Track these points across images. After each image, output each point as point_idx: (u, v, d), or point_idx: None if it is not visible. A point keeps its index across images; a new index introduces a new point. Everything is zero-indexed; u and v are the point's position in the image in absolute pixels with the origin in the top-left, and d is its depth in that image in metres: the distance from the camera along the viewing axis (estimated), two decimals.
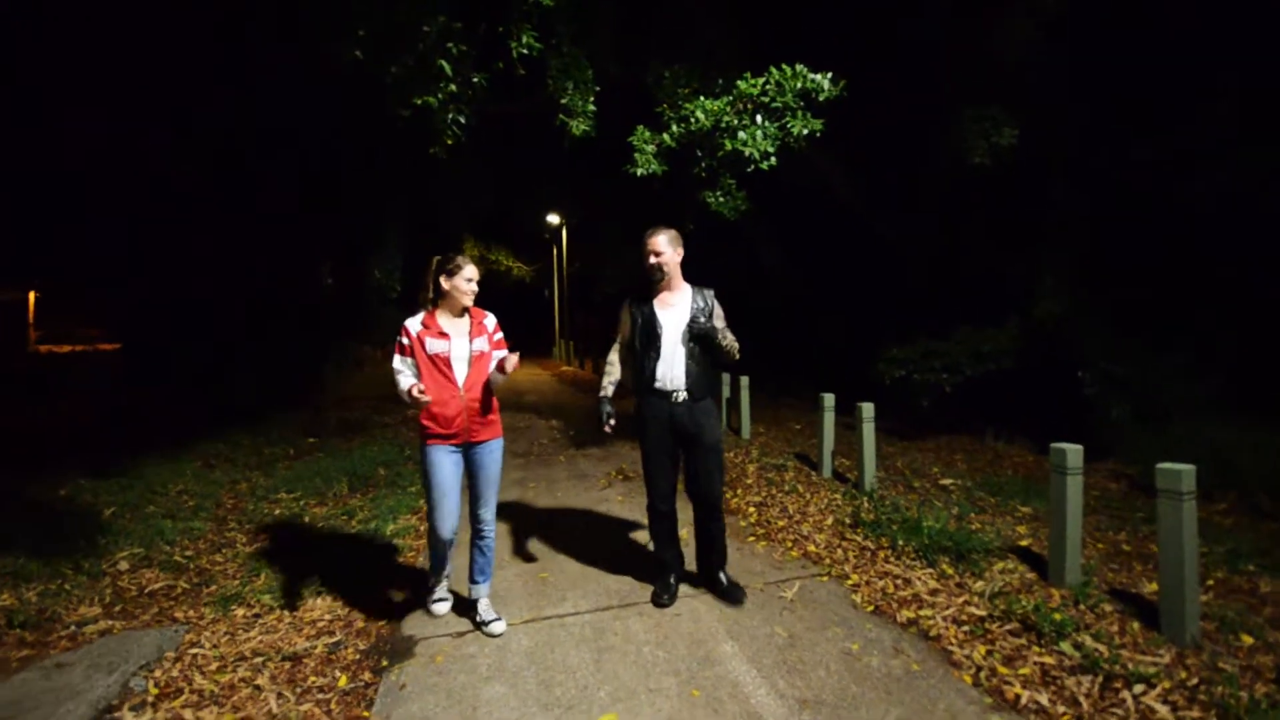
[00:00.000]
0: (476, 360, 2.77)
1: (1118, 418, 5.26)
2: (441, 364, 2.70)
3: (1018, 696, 2.31)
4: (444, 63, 3.99)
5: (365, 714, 2.31)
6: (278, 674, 2.56)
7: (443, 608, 3.00)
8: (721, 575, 3.14)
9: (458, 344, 2.75)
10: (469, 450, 2.80)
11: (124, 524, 4.18)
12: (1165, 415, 5.09)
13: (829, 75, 4.31)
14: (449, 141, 4.55)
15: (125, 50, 7.40)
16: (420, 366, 2.71)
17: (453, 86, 4.19)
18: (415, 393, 2.57)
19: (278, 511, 4.65)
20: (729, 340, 2.97)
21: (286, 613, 3.09)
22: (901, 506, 4.35)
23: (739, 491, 5.10)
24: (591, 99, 4.99)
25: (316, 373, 8.90)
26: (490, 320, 2.91)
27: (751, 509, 4.66)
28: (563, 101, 4.92)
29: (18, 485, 4.68)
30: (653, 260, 2.95)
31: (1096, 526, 4.15)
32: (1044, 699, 2.28)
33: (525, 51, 4.38)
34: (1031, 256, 6.26)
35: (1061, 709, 2.23)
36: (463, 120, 4.50)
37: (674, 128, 4.80)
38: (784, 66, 4.30)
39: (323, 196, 8.36)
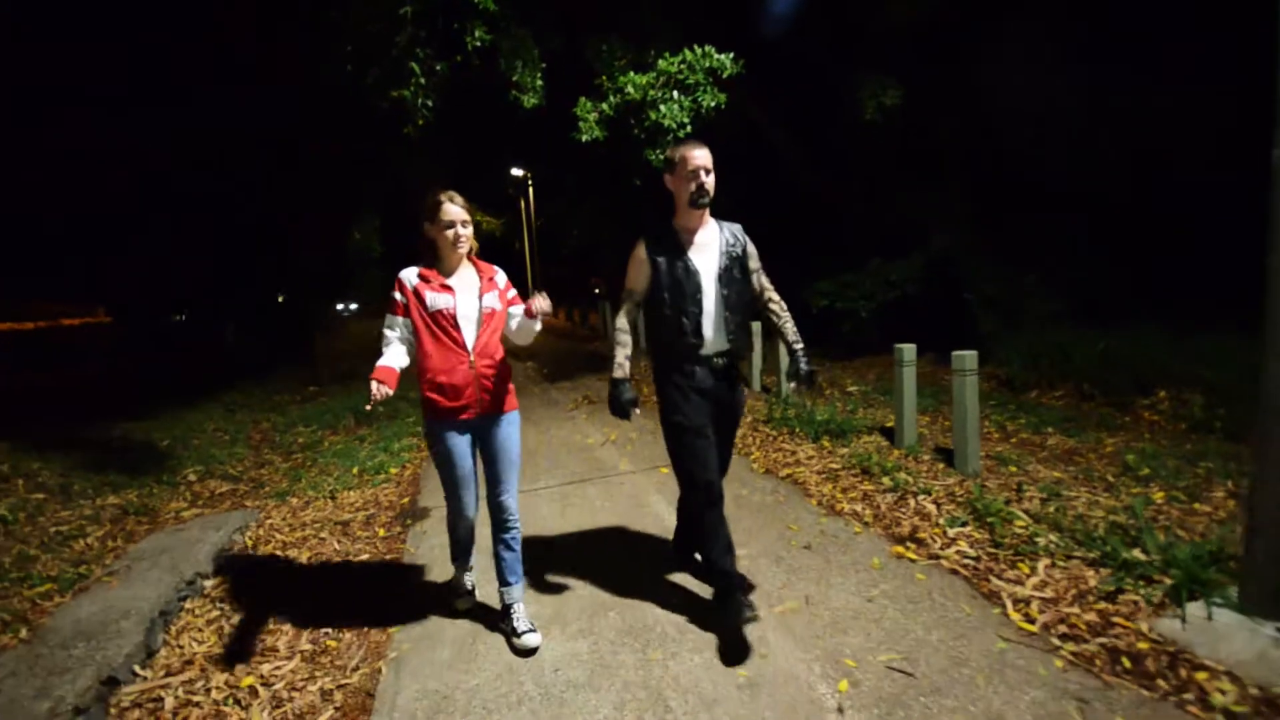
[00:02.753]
0: (487, 319, 2.27)
1: (989, 329, 6.41)
2: (446, 323, 2.20)
3: (843, 509, 3.45)
4: (414, 65, 4.73)
5: (401, 545, 3.36)
6: (334, 532, 3.59)
7: (467, 601, 2.63)
8: (732, 575, 2.38)
9: (465, 300, 2.24)
10: (483, 426, 2.31)
11: (180, 451, 5.14)
12: (1023, 325, 6.24)
13: (730, 55, 5.13)
14: (420, 123, 5.29)
15: (133, 48, 7.81)
16: (418, 328, 2.22)
17: (421, 80, 4.93)
18: (376, 391, 2.05)
19: (300, 440, 5.63)
20: (795, 336, 2.47)
21: (329, 501, 4.10)
22: (808, 406, 5.47)
23: (653, 390, 6.19)
24: (539, 75, 5.73)
25: (309, 331, 9.68)
26: (501, 276, 2.40)
27: None
28: (514, 79, 5.64)
29: (76, 431, 5.55)
30: (704, 179, 2.24)
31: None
32: (859, 508, 3.42)
33: (479, 44, 5.10)
34: (928, 199, 7.26)
35: (869, 512, 3.36)
36: (430, 104, 5.25)
37: (611, 98, 5.60)
38: (695, 47, 5.12)
39: (306, 176, 8.92)
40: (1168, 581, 2.35)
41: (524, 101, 5.72)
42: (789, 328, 2.51)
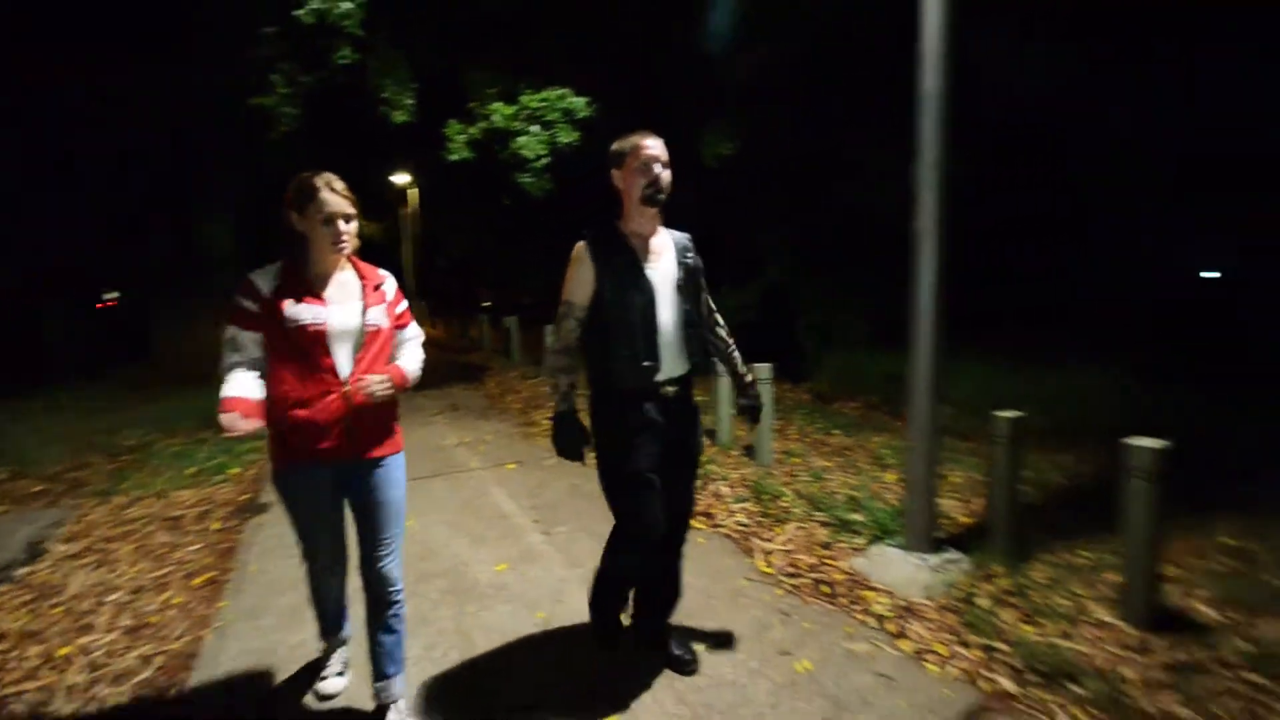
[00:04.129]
0: (370, 339, 1.77)
1: (810, 351, 7.52)
2: (312, 342, 1.69)
3: None
4: (275, 77, 4.86)
5: (237, 536, 3.47)
6: (163, 526, 3.60)
7: (336, 685, 2.10)
8: (671, 635, 2.25)
9: (340, 314, 1.74)
10: (355, 472, 1.81)
11: None
12: (836, 347, 7.41)
13: (586, 99, 5.80)
14: (283, 129, 5.36)
15: None
16: (273, 347, 1.70)
17: (284, 90, 5.05)
18: (225, 419, 1.56)
19: (130, 443, 5.35)
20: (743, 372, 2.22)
21: (159, 499, 4.05)
22: None
23: (540, 410, 6.61)
24: (410, 94, 6.02)
25: (151, 331, 8.91)
26: (390, 284, 1.91)
27: (546, 423, 6.19)
28: (383, 95, 5.89)
29: None
30: (660, 173, 1.90)
31: (789, 420, 6.21)
32: None
33: (345, 62, 5.33)
34: (765, 236, 8.39)
35: None
36: (293, 112, 5.35)
37: (480, 123, 6.03)
38: (554, 89, 5.73)
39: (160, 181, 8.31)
40: (867, 533, 3.14)
41: (394, 117, 5.97)
42: (736, 356, 2.22)
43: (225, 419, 1.56)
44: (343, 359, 1.75)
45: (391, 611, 1.90)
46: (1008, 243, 10.26)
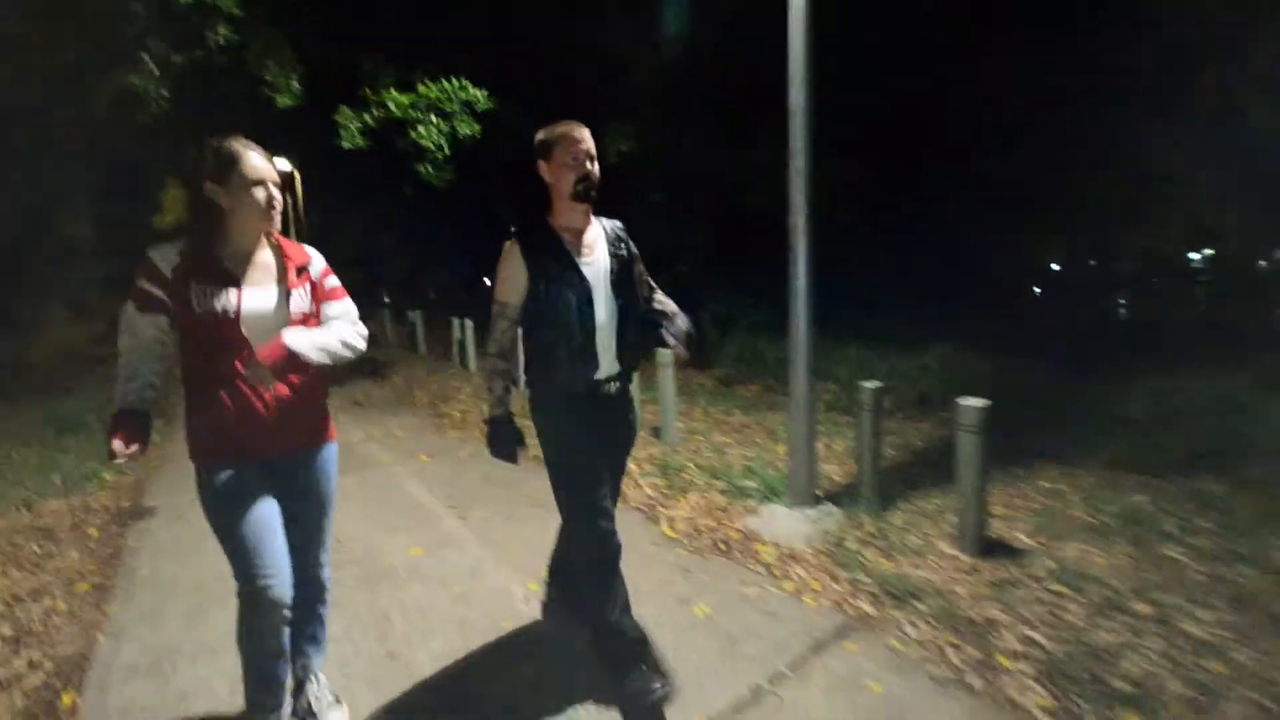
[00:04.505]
0: (295, 326, 1.61)
1: (714, 339, 7.97)
2: (224, 331, 1.52)
3: None
4: (144, 54, 4.48)
5: (120, 542, 3.28)
6: (31, 537, 3.33)
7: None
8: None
9: (258, 296, 1.57)
10: (287, 467, 1.69)
11: None
12: (737, 335, 7.90)
13: (485, 92, 5.82)
14: (153, 110, 4.95)
15: None
16: (183, 334, 1.54)
17: (154, 69, 4.67)
18: (120, 451, 1.43)
19: None
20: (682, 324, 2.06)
21: (23, 510, 3.71)
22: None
23: (449, 403, 6.57)
24: (294, 78, 5.75)
25: None
26: (317, 261, 1.74)
27: (457, 413, 6.18)
28: (266, 78, 5.59)
29: None
30: (590, 167, 1.85)
31: (694, 403, 6.56)
32: None
33: (222, 42, 5.01)
34: (672, 229, 8.76)
35: None
36: (166, 93, 4.96)
37: (375, 111, 5.87)
38: (453, 79, 5.70)
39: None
40: (759, 496, 3.50)
41: (278, 101, 5.68)
42: (671, 305, 2.13)
43: (116, 445, 1.44)
44: (260, 346, 1.53)
45: (319, 613, 1.88)
46: (891, 239, 11.31)
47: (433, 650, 2.29)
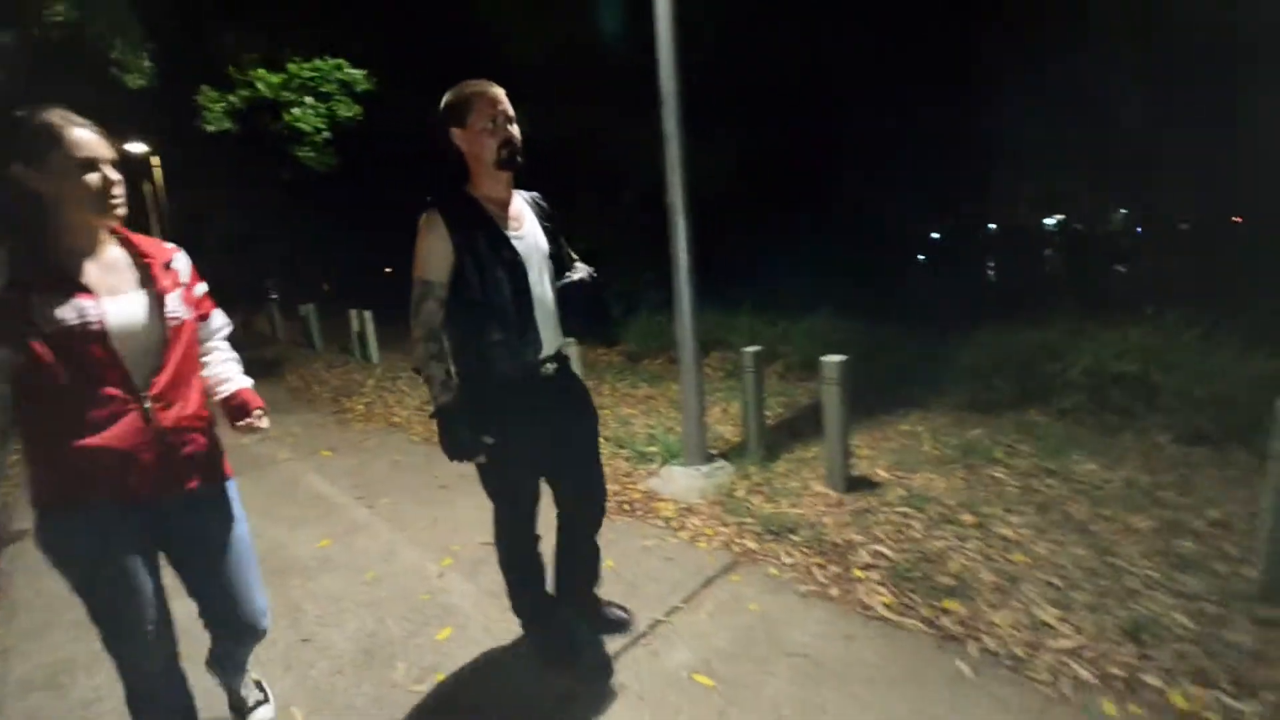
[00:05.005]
0: (175, 337, 1.36)
1: (618, 316, 8.19)
2: (86, 350, 1.24)
3: None
4: None
5: None
6: None
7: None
8: (600, 600, 2.25)
9: (122, 305, 1.30)
10: (177, 511, 1.41)
11: None
12: (641, 312, 8.17)
13: (364, 72, 5.62)
14: None
15: None
16: (27, 361, 1.20)
17: None
18: None
19: None
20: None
21: None
22: None
23: (352, 397, 6.40)
24: (145, 56, 5.27)
25: None
26: (182, 260, 1.48)
27: (361, 407, 6.04)
28: (113, 56, 5.09)
29: None
30: (513, 130, 1.68)
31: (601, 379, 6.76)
32: None
33: (60, 19, 4.51)
34: (574, 210, 8.89)
35: None
36: None
37: (241, 91, 5.50)
38: (327, 59, 5.46)
39: None
40: (660, 459, 3.78)
41: (128, 81, 5.19)
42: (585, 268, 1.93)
43: None
44: (137, 366, 1.29)
45: (244, 652, 1.72)
46: (786, 216, 11.98)
47: (348, 631, 2.38)
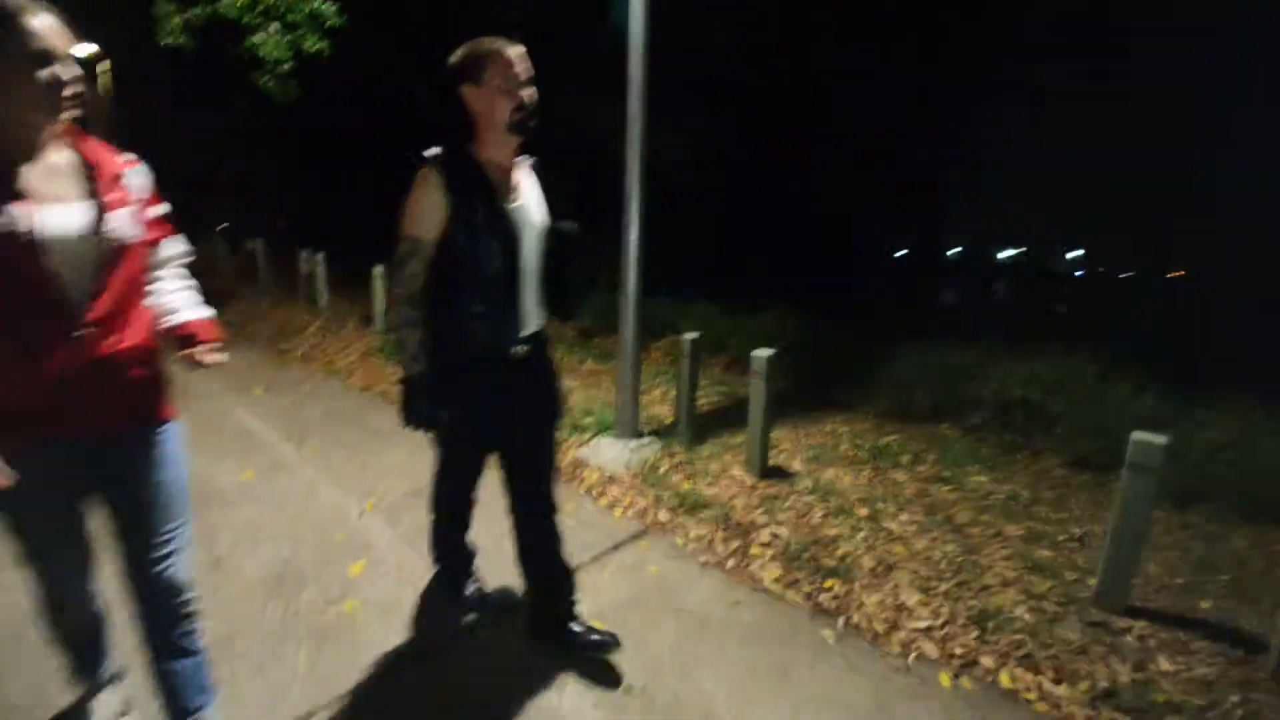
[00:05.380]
0: (116, 257, 1.23)
1: (578, 295, 8.29)
2: (18, 262, 1.12)
3: None
4: None
5: None
6: None
7: None
8: (575, 619, 2.00)
9: (60, 215, 1.17)
10: (108, 451, 1.32)
11: None
12: (600, 292, 8.28)
13: (336, 6, 5.46)
14: None
15: None
16: None
17: None
18: None
19: None
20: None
21: None
22: None
23: (293, 339, 6.29)
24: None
25: None
26: (138, 176, 1.34)
27: (301, 350, 5.95)
28: None
29: None
30: (529, 93, 1.60)
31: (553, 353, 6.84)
32: None
33: None
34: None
35: None
36: None
37: (200, 8, 5.25)
38: None
39: None
40: (592, 430, 3.92)
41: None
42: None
43: None
44: (74, 286, 1.17)
45: (183, 628, 1.45)
46: (758, 211, 12.20)
47: (261, 558, 2.44)
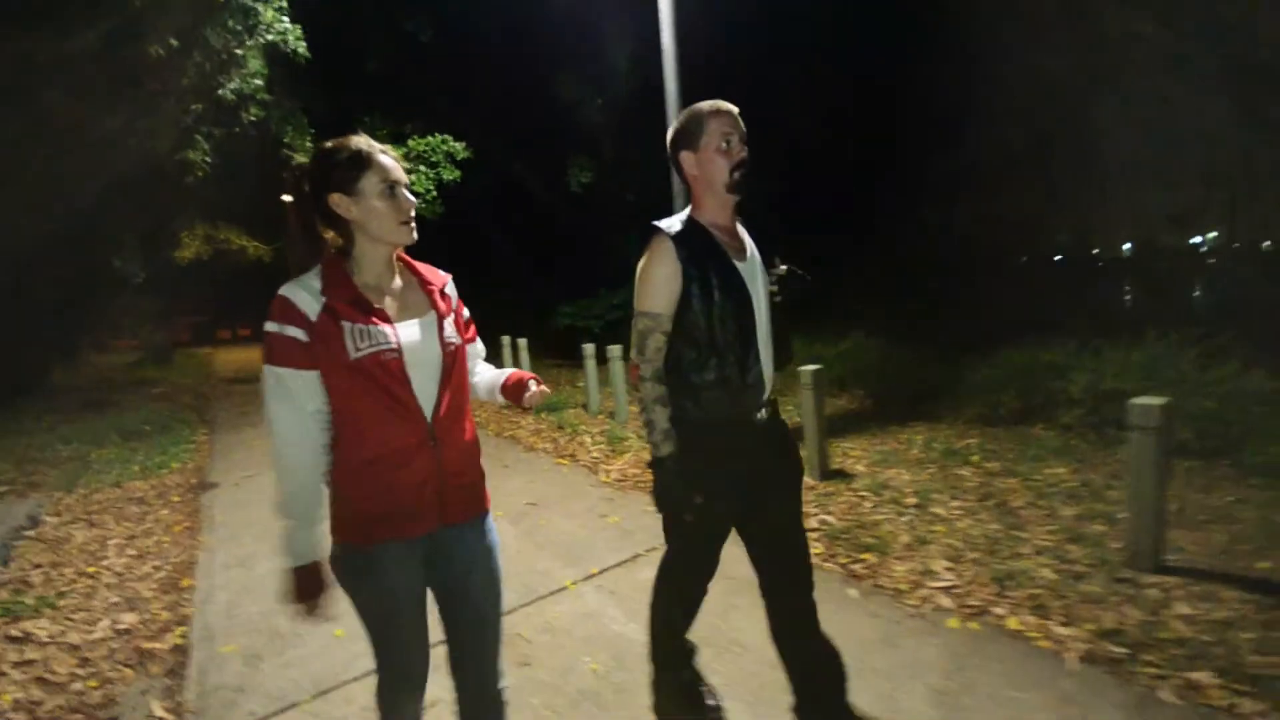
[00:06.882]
0: (451, 363, 1.32)
1: None
2: (386, 377, 1.22)
3: (537, 446, 5.31)
4: (199, 135, 5.75)
5: (195, 503, 4.39)
6: (130, 502, 4.45)
7: None
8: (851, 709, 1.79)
9: (413, 331, 1.28)
10: (446, 544, 1.35)
11: None
12: None
13: (463, 144, 7.05)
14: (200, 174, 6.19)
15: None
16: (332, 389, 1.23)
17: (205, 145, 5.92)
18: (301, 603, 1.30)
19: (65, 454, 5.95)
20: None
21: (116, 489, 4.84)
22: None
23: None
24: (308, 138, 6.97)
25: (47, 364, 8.94)
26: (451, 285, 1.45)
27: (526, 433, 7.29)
28: (285, 140, 6.80)
29: None
30: (744, 152, 1.58)
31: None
32: (547, 446, 5.31)
33: (254, 119, 6.25)
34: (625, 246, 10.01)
35: (551, 447, 5.27)
36: (209, 160, 6.20)
37: None
38: (435, 134, 6.94)
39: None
40: None
41: (295, 159, 6.87)
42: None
43: (300, 602, 1.28)
44: (426, 392, 1.28)
45: (498, 714, 1.49)
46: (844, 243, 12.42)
47: None
